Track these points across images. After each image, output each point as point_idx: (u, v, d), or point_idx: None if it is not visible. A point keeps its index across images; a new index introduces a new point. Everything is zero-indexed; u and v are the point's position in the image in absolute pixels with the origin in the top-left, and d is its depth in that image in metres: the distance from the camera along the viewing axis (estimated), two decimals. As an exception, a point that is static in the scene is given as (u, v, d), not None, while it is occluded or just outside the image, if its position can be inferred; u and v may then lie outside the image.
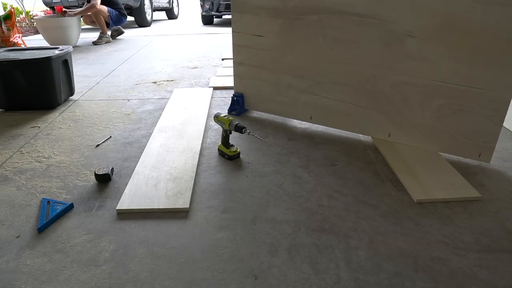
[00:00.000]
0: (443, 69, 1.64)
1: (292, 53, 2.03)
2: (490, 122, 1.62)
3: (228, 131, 1.75)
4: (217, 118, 1.78)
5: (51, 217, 1.33)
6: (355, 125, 1.98)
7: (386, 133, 1.89)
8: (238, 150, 1.79)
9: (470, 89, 1.61)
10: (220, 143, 1.82)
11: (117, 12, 5.59)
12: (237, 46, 2.20)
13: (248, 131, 1.67)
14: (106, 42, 5.36)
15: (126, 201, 1.42)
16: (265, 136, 2.02)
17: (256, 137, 1.69)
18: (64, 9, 4.99)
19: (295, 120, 2.22)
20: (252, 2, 2.04)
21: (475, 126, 1.66)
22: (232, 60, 3.83)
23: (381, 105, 1.85)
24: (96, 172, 1.58)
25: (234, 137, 1.98)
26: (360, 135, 2.02)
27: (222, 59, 4.01)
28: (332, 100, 2.00)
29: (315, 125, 2.15)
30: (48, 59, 2.37)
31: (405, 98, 1.77)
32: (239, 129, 1.67)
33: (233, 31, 2.18)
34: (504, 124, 2.08)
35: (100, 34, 5.34)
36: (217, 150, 1.85)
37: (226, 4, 7.14)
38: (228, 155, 1.77)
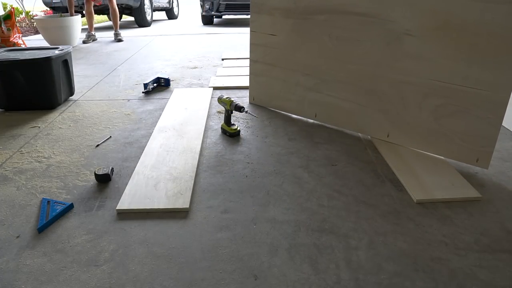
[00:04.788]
0: (440, 68, 1.63)
1: (301, 52, 2.08)
2: (488, 125, 1.57)
3: (229, 111, 1.97)
4: (220, 99, 2.01)
5: (51, 217, 1.33)
6: (356, 124, 1.99)
7: (385, 134, 1.89)
8: (238, 129, 2.02)
9: (467, 89, 1.59)
10: (222, 122, 2.05)
11: None
12: (253, 45, 2.29)
13: (245, 110, 1.88)
14: (93, 40, 5.34)
15: (126, 201, 1.42)
16: (265, 136, 2.02)
17: (253, 115, 2.11)
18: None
19: (296, 119, 2.22)
20: (268, 2, 2.14)
21: (472, 128, 1.62)
22: (233, 60, 3.87)
23: (381, 104, 1.85)
24: (96, 172, 1.58)
25: (235, 138, 1.99)
26: (360, 134, 2.02)
27: (222, 59, 4.01)
28: (335, 98, 2.02)
29: (315, 124, 2.15)
30: (48, 59, 2.37)
31: (403, 97, 1.77)
32: (238, 108, 1.90)
33: (250, 31, 2.29)
34: (504, 124, 2.08)
35: (88, 33, 5.32)
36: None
37: (226, 4, 7.13)
38: (229, 133, 1.99)
